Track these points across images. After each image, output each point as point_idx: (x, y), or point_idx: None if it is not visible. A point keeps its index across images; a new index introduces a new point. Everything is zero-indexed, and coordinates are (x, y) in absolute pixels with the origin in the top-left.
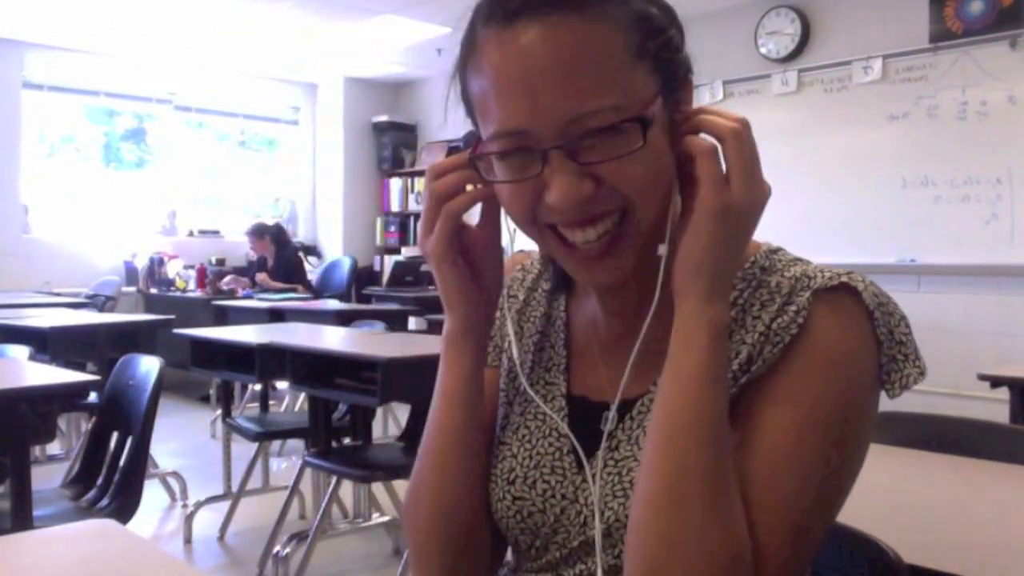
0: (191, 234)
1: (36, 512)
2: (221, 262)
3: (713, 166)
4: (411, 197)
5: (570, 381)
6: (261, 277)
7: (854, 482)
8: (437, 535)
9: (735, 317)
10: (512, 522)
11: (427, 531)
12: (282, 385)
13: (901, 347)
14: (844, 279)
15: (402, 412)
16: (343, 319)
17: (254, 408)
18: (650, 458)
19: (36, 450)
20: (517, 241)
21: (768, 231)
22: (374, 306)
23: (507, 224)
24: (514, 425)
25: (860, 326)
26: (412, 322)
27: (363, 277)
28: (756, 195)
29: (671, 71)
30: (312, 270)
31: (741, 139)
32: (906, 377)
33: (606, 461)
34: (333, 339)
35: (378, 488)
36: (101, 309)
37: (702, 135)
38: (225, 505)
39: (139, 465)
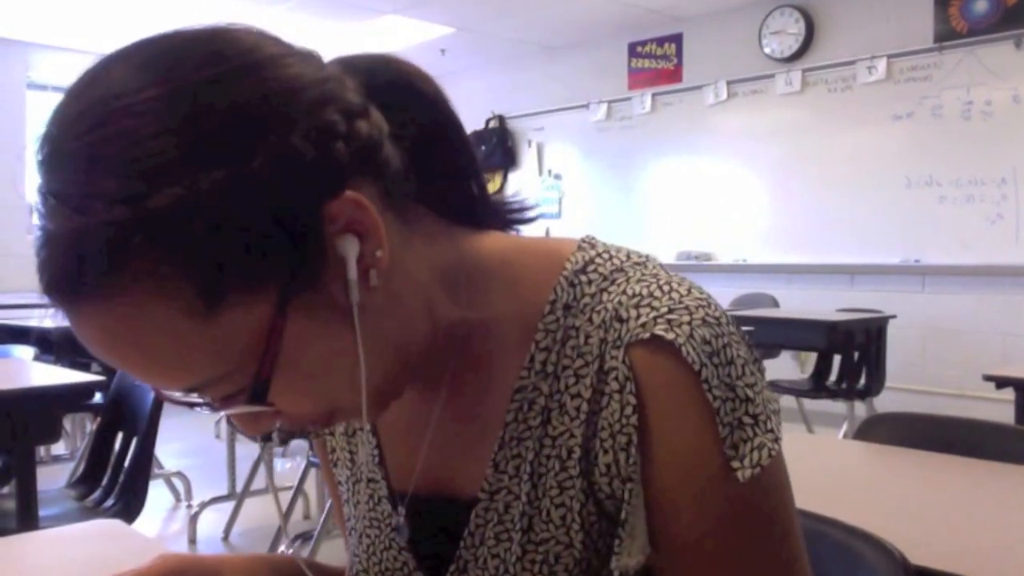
0: None
1: (42, 512)
2: None
3: None
4: None
5: (389, 474)
6: None
7: (801, 549)
8: None
9: (548, 393)
10: None
11: None
12: None
13: (747, 406)
14: (660, 329)
15: None
16: None
17: None
18: None
19: (41, 450)
20: None
21: (771, 231)
22: None
23: None
24: (357, 534)
25: (690, 399)
26: None
27: None
28: None
29: (295, 259)
30: None
31: None
32: (758, 450)
33: None
34: None
35: None
36: None
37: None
38: (230, 505)
39: (144, 465)
